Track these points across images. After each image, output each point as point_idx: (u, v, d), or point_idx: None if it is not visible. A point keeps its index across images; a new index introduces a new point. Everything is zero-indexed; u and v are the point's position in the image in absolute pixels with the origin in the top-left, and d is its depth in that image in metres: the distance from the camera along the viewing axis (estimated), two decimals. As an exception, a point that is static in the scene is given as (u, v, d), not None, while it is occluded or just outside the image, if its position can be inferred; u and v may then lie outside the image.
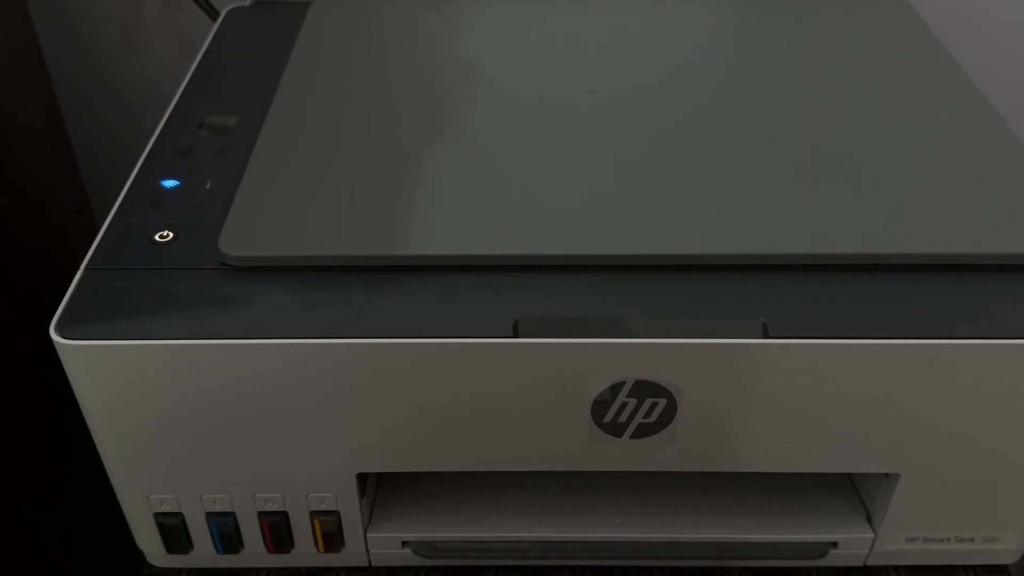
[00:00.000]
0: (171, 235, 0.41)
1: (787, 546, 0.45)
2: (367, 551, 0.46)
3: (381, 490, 0.47)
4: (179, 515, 0.43)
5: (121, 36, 0.75)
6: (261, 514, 0.43)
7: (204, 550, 0.45)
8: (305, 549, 0.45)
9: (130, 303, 0.38)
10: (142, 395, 0.38)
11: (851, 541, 0.45)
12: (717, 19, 0.56)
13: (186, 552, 0.45)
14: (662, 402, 0.38)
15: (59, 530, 0.65)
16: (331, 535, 0.44)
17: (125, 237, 0.41)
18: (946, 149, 0.45)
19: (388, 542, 0.45)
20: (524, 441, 0.40)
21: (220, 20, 0.60)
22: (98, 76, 0.77)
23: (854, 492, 0.47)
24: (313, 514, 0.43)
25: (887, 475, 0.43)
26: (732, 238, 0.39)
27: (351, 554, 0.45)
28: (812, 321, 0.37)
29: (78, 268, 0.40)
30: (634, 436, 0.39)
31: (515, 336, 0.36)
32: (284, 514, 0.43)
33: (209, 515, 0.43)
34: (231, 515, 0.43)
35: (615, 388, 0.38)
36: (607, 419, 0.39)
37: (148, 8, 0.74)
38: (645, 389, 0.38)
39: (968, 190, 0.42)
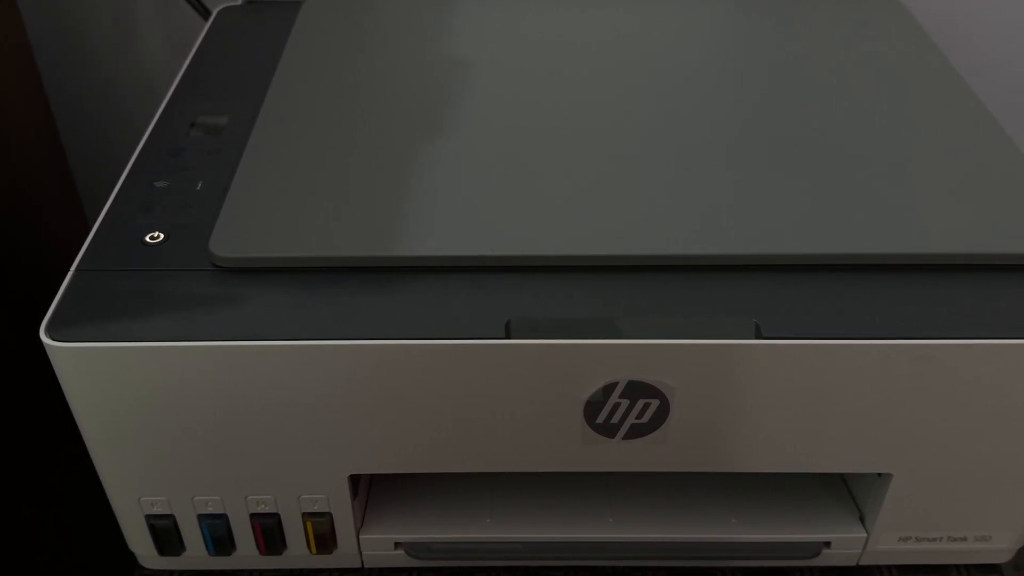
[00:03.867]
0: (162, 236, 0.41)
1: (780, 546, 0.45)
2: (360, 552, 0.45)
3: (374, 491, 0.47)
4: (171, 517, 0.43)
5: (113, 35, 0.75)
6: (253, 516, 0.43)
7: (196, 552, 0.44)
8: (297, 551, 0.45)
9: (120, 305, 0.37)
10: (133, 397, 0.38)
11: (844, 541, 0.45)
12: (711, 20, 0.56)
13: (178, 554, 0.45)
14: (655, 403, 0.38)
15: (51, 532, 0.65)
16: (323, 537, 0.44)
17: (116, 238, 0.41)
18: (939, 149, 0.45)
19: (381, 543, 0.45)
20: (517, 442, 0.40)
21: (212, 19, 0.59)
22: (90, 75, 0.77)
23: (847, 492, 0.47)
24: (305, 516, 0.43)
25: (880, 475, 0.43)
26: (725, 238, 0.39)
27: (344, 555, 0.45)
28: (805, 321, 0.37)
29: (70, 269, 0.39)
30: (627, 437, 0.39)
31: (507, 337, 0.36)
32: (276, 516, 0.43)
33: (201, 517, 0.43)
34: (223, 517, 0.43)
35: (608, 389, 0.38)
36: (600, 420, 0.39)
37: (140, 7, 0.74)
38: (638, 390, 0.38)
39: (960, 190, 0.42)
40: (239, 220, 0.40)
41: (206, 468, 0.41)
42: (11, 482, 0.61)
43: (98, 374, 0.37)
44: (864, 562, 0.46)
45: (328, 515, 0.43)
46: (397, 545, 0.46)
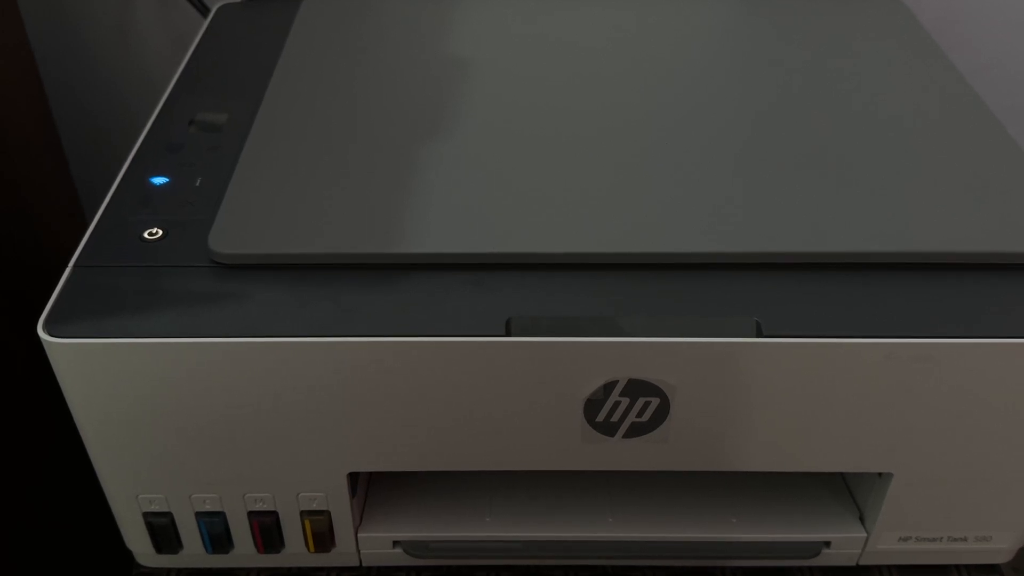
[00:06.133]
0: (161, 232, 0.41)
1: (780, 546, 0.45)
2: (358, 551, 0.45)
3: (372, 490, 0.47)
4: (168, 515, 0.43)
5: (112, 33, 0.75)
6: (251, 514, 0.43)
7: (194, 550, 0.44)
8: (295, 549, 0.44)
9: (119, 301, 0.37)
10: (131, 394, 0.38)
11: (844, 541, 0.45)
12: (713, 19, 0.56)
13: (175, 552, 0.44)
14: (655, 401, 0.38)
15: (48, 530, 0.65)
16: (322, 535, 0.44)
17: (114, 235, 0.41)
18: (940, 149, 0.45)
19: (379, 542, 0.45)
20: (516, 440, 0.40)
21: (211, 17, 0.59)
22: (89, 73, 0.77)
23: (847, 491, 0.47)
24: (304, 514, 0.43)
25: (880, 474, 0.42)
26: (725, 236, 0.39)
27: (342, 554, 0.45)
28: (806, 320, 0.37)
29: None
30: (627, 435, 0.39)
31: (508, 335, 0.36)
32: (274, 514, 0.43)
33: (199, 515, 0.43)
34: (221, 515, 0.43)
35: (608, 387, 0.37)
36: (600, 418, 0.39)
37: (139, 5, 0.74)
38: (638, 388, 0.37)
39: (961, 190, 0.42)
40: (238, 217, 0.40)
41: (204, 466, 0.41)
42: (8, 480, 0.60)
43: (96, 370, 0.37)
44: (864, 562, 0.46)
45: (326, 513, 0.43)
46: (395, 543, 0.45)
